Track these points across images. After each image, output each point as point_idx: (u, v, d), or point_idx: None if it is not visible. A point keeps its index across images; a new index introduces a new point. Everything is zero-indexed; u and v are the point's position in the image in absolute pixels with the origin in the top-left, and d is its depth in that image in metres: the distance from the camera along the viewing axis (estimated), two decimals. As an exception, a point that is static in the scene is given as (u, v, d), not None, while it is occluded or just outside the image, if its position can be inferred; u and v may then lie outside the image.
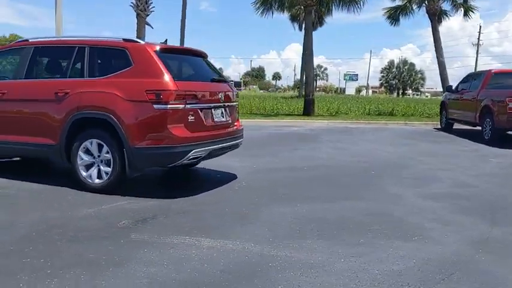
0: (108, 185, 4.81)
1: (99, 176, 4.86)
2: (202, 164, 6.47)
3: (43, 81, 5.25)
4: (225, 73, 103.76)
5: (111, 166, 4.75)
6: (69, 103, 4.85)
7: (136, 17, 16.56)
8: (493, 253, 3.47)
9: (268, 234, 3.72)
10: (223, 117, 5.37)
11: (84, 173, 4.90)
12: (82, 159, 4.90)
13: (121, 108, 4.64)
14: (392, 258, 3.29)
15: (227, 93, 5.54)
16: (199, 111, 4.89)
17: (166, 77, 4.65)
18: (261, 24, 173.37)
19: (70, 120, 4.85)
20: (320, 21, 37.90)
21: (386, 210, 4.60)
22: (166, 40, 5.67)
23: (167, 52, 5.04)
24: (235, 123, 5.76)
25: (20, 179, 5.35)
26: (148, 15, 16.71)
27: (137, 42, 4.92)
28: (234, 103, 5.72)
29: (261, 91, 73.96)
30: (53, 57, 5.48)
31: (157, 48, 4.88)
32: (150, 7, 16.61)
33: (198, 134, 4.84)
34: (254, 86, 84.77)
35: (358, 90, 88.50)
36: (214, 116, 5.17)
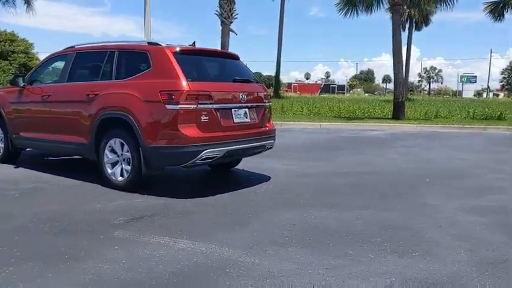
0: (128, 182, 4.98)
1: (122, 174, 5.05)
2: (243, 166, 6.43)
3: (80, 84, 5.63)
4: (333, 77, 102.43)
5: (130, 164, 4.91)
6: (97, 104, 5.13)
7: (221, 24, 17.12)
8: (500, 278, 2.88)
9: (253, 240, 3.53)
10: (246, 117, 5.26)
11: (109, 171, 5.14)
12: (108, 157, 5.14)
13: (138, 109, 4.79)
14: (368, 274, 2.91)
15: (253, 93, 5.42)
16: (215, 112, 4.84)
17: (180, 78, 4.68)
18: (370, 26, 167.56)
19: (98, 120, 5.12)
20: (425, 21, 35.66)
21: (407, 222, 4.10)
22: (194, 42, 5.68)
23: (187, 54, 5.09)
24: (265, 125, 5.60)
25: (64, 175, 5.78)
26: (232, 22, 17.19)
27: (158, 45, 5.03)
28: (263, 104, 5.56)
29: (366, 94, 71.65)
30: (90, 62, 5.85)
31: (177, 49, 4.95)
32: (234, 14, 17.07)
33: (212, 134, 4.79)
34: (359, 89, 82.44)
35: (478, 93, 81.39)
36: (234, 116, 5.08)
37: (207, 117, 4.77)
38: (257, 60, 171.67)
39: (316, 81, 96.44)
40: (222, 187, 5.34)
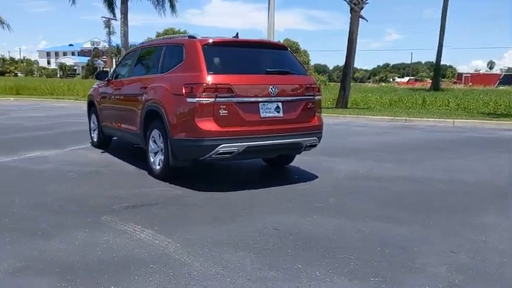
0: (161, 172, 5.23)
1: (159, 163, 5.31)
2: (301, 163, 6.17)
3: (137, 78, 6.08)
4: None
5: (163, 155, 5.13)
6: (145, 96, 5.49)
7: (350, 12, 16.39)
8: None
9: (214, 239, 3.39)
10: (278, 112, 5.00)
11: (151, 159, 5.46)
12: (151, 147, 5.46)
13: (167, 101, 4.98)
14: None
15: (290, 86, 5.14)
16: (236, 105, 4.73)
17: (202, 71, 4.70)
18: None
19: (144, 112, 5.48)
20: None
21: (419, 240, 3.45)
22: (237, 34, 5.57)
23: (221, 46, 5.07)
24: (306, 120, 5.23)
25: (130, 162, 6.33)
26: (362, 8, 16.32)
27: (193, 38, 5.11)
28: (303, 97, 5.20)
29: None
30: (146, 57, 6.25)
31: (209, 42, 4.97)
32: (365, 0, 16.16)
33: (231, 129, 4.70)
34: None
35: None
36: (261, 110, 4.89)
37: (226, 111, 4.69)
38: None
39: (497, 71, 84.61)
40: (253, 183, 5.19)
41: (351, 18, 16.50)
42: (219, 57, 4.96)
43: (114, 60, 73.63)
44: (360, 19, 16.49)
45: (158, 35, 72.29)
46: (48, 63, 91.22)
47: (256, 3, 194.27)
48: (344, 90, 16.94)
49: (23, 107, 16.85)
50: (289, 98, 5.11)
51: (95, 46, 78.30)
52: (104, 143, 7.52)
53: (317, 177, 5.65)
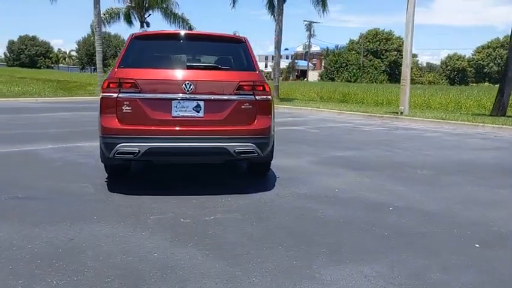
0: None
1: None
2: (286, 173, 5.38)
3: None
4: None
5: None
6: None
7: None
8: None
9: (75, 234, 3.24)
10: (198, 112, 4.40)
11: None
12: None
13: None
14: None
15: (217, 83, 4.45)
16: (141, 102, 4.35)
17: (116, 65, 4.52)
18: None
19: None
20: None
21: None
22: (190, 27, 5.04)
23: (153, 39, 4.78)
24: (237, 123, 4.45)
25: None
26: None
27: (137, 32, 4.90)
28: (232, 96, 4.44)
29: None
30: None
31: (141, 34, 4.75)
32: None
33: (133, 127, 4.33)
34: None
35: None
36: (174, 109, 4.39)
37: (130, 108, 4.35)
38: None
39: None
40: (192, 189, 4.74)
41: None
42: (144, 50, 4.66)
43: (323, 62, 76.43)
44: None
45: (361, 36, 71.66)
46: (266, 66, 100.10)
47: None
48: (502, 95, 13.67)
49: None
50: (213, 97, 4.43)
51: (307, 50, 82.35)
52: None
53: (270, 189, 4.78)
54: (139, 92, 4.33)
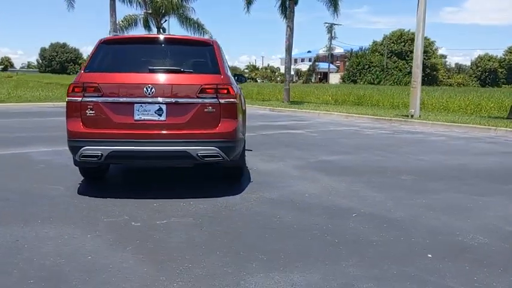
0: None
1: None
2: (261, 178, 5.33)
3: None
4: None
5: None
6: None
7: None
8: None
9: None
10: (160, 115, 4.40)
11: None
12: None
13: None
14: None
15: (178, 86, 4.43)
16: (103, 105, 4.38)
17: (81, 69, 4.58)
18: None
19: None
20: None
21: None
22: (161, 30, 5.05)
23: (119, 43, 4.85)
24: (199, 127, 4.40)
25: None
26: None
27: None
28: (194, 99, 4.40)
29: None
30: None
31: (109, 38, 4.80)
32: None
33: (96, 131, 4.37)
34: None
35: None
36: (136, 112, 4.40)
37: (93, 112, 4.39)
38: None
39: None
40: (158, 193, 4.73)
41: None
42: (110, 55, 4.70)
43: (345, 65, 75.82)
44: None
45: (384, 37, 70.62)
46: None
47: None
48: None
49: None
50: (175, 100, 4.42)
51: (329, 52, 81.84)
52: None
53: (238, 194, 4.74)
54: (102, 96, 4.37)
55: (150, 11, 24.83)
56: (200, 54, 4.83)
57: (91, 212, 4.08)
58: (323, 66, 75.84)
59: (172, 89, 4.43)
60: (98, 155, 4.36)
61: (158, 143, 4.39)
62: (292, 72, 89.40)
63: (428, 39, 68.22)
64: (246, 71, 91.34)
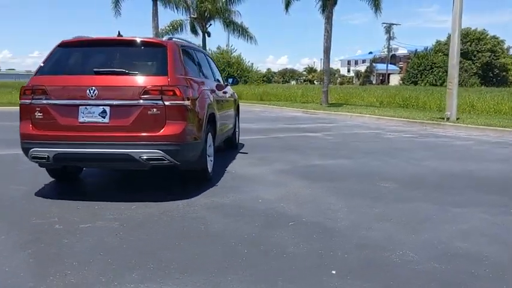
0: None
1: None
2: (230, 182, 5.18)
3: None
4: None
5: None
6: None
7: None
8: None
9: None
10: (103, 118, 4.37)
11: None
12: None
13: None
14: None
15: (121, 89, 4.39)
16: (50, 108, 4.43)
17: (35, 72, 4.67)
18: None
19: None
20: None
21: None
22: (118, 32, 5.01)
23: (74, 45, 4.86)
24: (145, 129, 4.34)
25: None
26: None
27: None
28: (142, 102, 4.34)
29: None
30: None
31: (65, 41, 4.84)
32: None
33: (43, 133, 4.43)
34: None
35: None
36: (80, 115, 4.40)
37: (41, 114, 4.45)
38: None
39: None
40: (117, 196, 4.72)
41: None
42: (64, 58, 4.74)
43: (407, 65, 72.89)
44: None
45: (448, 37, 66.63)
46: (348, 71, 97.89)
47: None
48: None
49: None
50: (118, 102, 4.37)
51: (393, 53, 79.28)
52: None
53: (191, 198, 4.59)
54: (48, 99, 4.42)
55: (195, 16, 25.31)
56: (151, 55, 4.77)
57: (25, 213, 4.12)
58: (381, 67, 73.43)
59: (115, 91, 4.39)
60: (45, 157, 4.43)
61: (102, 145, 4.36)
62: (352, 74, 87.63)
63: (497, 38, 63.83)
64: (304, 73, 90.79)
